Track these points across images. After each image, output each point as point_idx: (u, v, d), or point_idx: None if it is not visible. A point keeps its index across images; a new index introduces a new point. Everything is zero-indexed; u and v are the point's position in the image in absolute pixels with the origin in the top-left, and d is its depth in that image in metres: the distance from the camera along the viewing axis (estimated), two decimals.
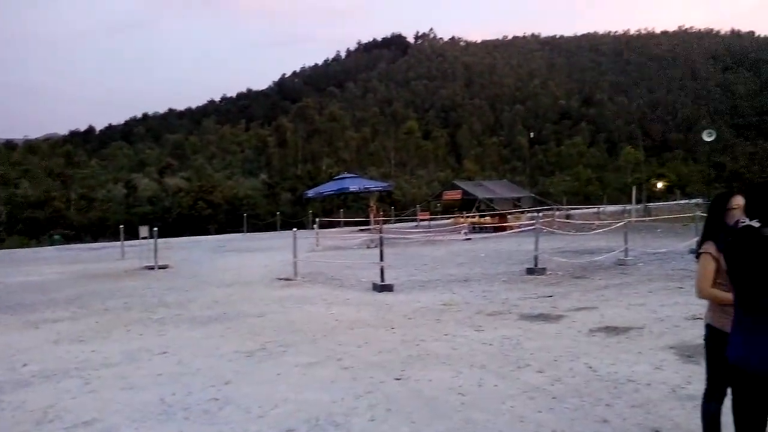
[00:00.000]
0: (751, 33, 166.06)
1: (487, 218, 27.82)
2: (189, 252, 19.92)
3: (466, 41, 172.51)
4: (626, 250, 13.66)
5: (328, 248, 20.05)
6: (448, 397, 4.72)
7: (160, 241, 15.78)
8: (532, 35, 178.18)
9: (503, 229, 23.97)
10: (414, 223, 32.25)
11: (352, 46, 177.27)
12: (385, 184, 35.79)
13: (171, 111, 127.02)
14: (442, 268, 13.86)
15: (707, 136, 33.10)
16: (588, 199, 49.06)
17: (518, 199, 33.33)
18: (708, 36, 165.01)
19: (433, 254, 17.23)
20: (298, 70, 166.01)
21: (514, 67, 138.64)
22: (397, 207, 39.40)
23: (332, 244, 21.51)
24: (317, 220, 22.74)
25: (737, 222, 2.65)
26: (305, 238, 21.86)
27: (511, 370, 5.40)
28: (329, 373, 5.48)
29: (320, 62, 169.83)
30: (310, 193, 31.99)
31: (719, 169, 63.87)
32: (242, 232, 30.17)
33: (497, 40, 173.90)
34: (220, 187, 41.73)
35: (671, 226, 22.72)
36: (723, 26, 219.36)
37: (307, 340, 6.86)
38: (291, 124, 64.24)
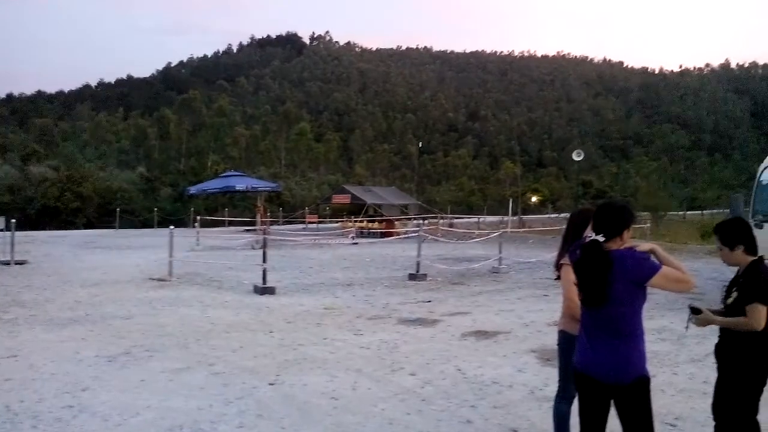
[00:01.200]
0: (621, 63, 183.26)
1: (375, 223, 28.23)
2: (52, 247, 18.28)
3: (361, 47, 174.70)
4: (500, 259, 14.45)
5: (209, 248, 19.28)
6: (321, 401, 4.70)
7: (21, 234, 14.37)
8: (425, 48, 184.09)
9: (390, 234, 24.42)
10: (302, 226, 31.98)
11: (245, 41, 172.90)
12: (273, 185, 35.13)
13: (40, 93, 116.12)
14: (327, 271, 13.85)
15: (576, 156, 35.94)
16: (471, 209, 51.44)
17: (406, 206, 34.15)
18: (583, 63, 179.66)
19: (319, 257, 17.17)
20: (185, 60, 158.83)
21: (406, 77, 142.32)
22: (285, 208, 38.85)
23: (215, 244, 20.71)
24: (199, 218, 21.82)
25: (585, 237, 2.88)
26: (185, 236, 20.93)
27: (386, 374, 5.50)
28: (198, 379, 5.25)
29: (210, 54, 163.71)
30: (193, 189, 30.62)
31: (587, 187, 69.70)
32: (114, 228, 28.22)
33: (392, 49, 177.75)
34: (92, 178, 38.68)
35: (542, 238, 24.41)
36: (597, 55, 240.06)
37: (177, 345, 6.53)
38: (175, 116, 61.12)
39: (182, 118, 52.02)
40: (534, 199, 56.79)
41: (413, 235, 20.54)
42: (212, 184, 30.30)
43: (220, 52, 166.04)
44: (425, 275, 12.49)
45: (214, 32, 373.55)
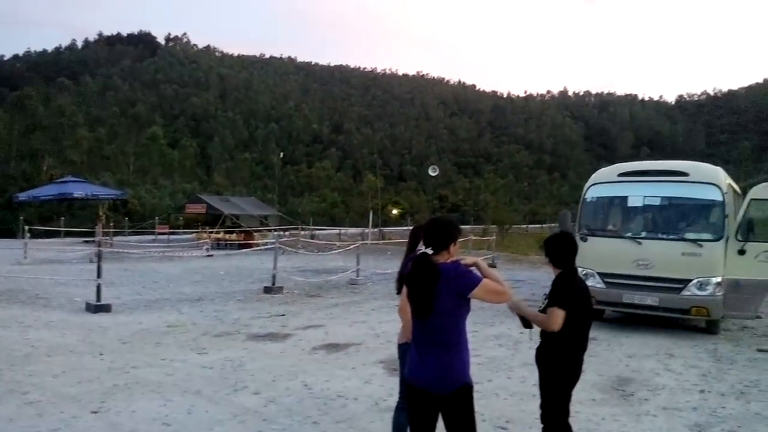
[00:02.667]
0: (473, 86, 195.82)
1: (233, 235, 27.23)
2: None
3: (222, 52, 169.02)
4: (358, 271, 14.59)
5: (39, 261, 17.28)
6: (151, 428, 4.32)
7: None
8: (289, 58, 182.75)
9: (248, 246, 23.68)
10: (152, 237, 29.94)
11: (92, 37, 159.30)
12: (118, 192, 32.44)
13: None
14: (175, 286, 13.01)
15: (432, 172, 37.69)
16: (333, 221, 51.64)
17: (265, 217, 33.35)
18: (440, 84, 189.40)
19: (168, 271, 16.11)
20: (21, 53, 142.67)
21: (270, 86, 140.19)
22: (133, 218, 36.14)
23: (47, 256, 18.62)
24: (28, 228, 19.50)
25: (418, 250, 2.95)
26: (12, 248, 18.61)
27: (227, 394, 5.22)
28: (8, 410, 4.59)
29: (50, 49, 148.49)
30: (22, 196, 27.37)
31: (443, 200, 73.33)
32: None
33: (254, 56, 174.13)
34: None
35: (401, 249, 25.11)
36: (452, 77, 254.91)
37: None
38: (6, 115, 54.38)
39: (14, 116, 46.34)
40: (394, 211, 58.51)
41: (272, 247, 20.12)
42: (46, 191, 27.32)
43: (63, 47, 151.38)
44: (281, 288, 12.22)
45: (58, 26, 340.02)
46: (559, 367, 3.36)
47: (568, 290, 3.35)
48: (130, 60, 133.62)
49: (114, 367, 6.02)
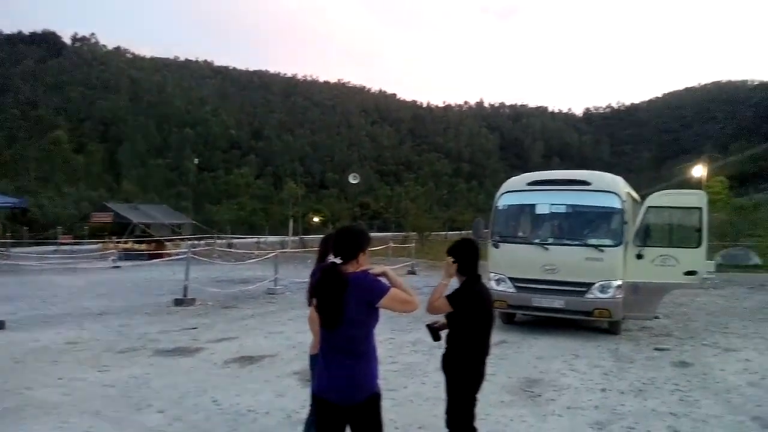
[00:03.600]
0: (394, 95, 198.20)
1: (142, 244, 26.01)
2: None
3: (133, 54, 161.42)
4: (276, 280, 14.32)
5: None
6: None
7: None
8: (205, 61, 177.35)
9: (159, 256, 22.68)
10: (53, 248, 28.04)
11: None
12: (15, 200, 30.11)
13: None
14: (77, 300, 12.23)
15: (353, 179, 37.80)
16: (252, 229, 50.52)
17: (179, 226, 32.12)
18: (361, 92, 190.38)
19: (70, 284, 15.16)
20: None
21: (185, 90, 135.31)
22: (34, 228, 33.71)
23: None
24: None
25: (327, 260, 2.91)
26: None
27: (129, 414, 4.93)
28: None
29: None
30: None
31: (364, 208, 73.68)
32: None
33: (168, 59, 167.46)
34: None
35: None
36: (373, 86, 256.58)
37: None
38: None
39: None
40: (316, 219, 58.08)
41: (184, 257, 19.39)
42: None
43: None
44: (194, 300, 11.77)
45: None
46: (463, 372, 3.42)
47: (465, 295, 3.42)
48: (33, 61, 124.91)
49: (4, 389, 5.56)
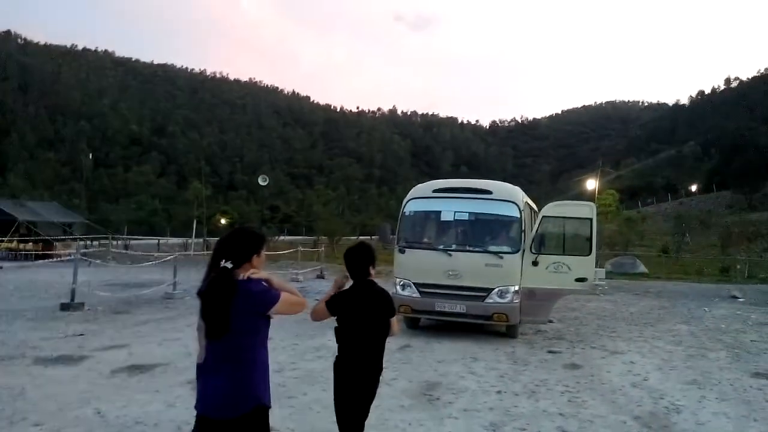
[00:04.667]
0: (308, 97, 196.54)
1: (29, 244, 24.03)
2: None
3: (25, 39, 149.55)
4: (175, 284, 13.67)
5: None
6: None
7: None
8: (105, 52, 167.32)
9: (47, 257, 21.03)
10: None
11: None
12: None
13: None
14: None
15: (261, 181, 36.97)
16: (153, 230, 48.11)
17: (69, 225, 29.96)
18: (274, 92, 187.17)
19: None
20: None
21: (81, 81, 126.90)
22: None
23: None
24: None
25: (220, 264, 2.72)
26: None
27: (1, 428, 4.48)
28: None
29: None
30: None
31: (274, 211, 72.30)
32: None
33: (64, 47, 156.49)
34: None
35: None
36: (286, 86, 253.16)
37: None
38: None
39: None
40: (223, 221, 56.23)
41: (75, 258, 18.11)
42: None
43: None
44: (82, 304, 10.99)
45: None
46: (354, 378, 3.38)
47: (342, 299, 3.39)
48: None
49: None
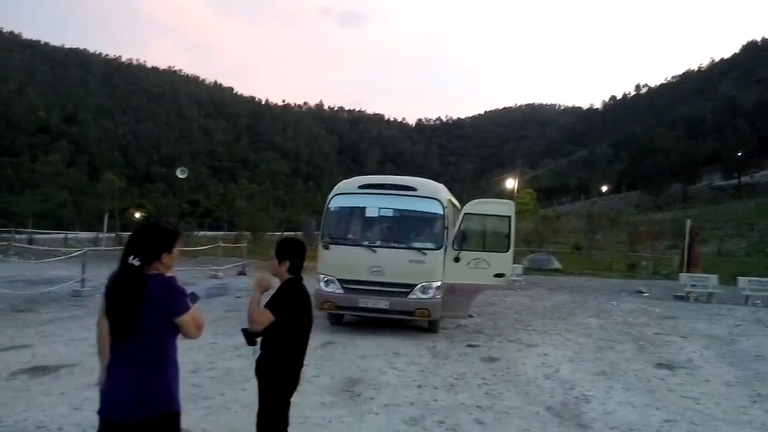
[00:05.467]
0: (231, 89, 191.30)
1: None
2: None
3: None
4: (83, 281, 12.91)
5: None
6: None
7: None
8: (12, 33, 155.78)
9: None
10: None
11: None
12: None
13: None
14: None
15: (180, 174, 35.63)
16: (61, 224, 45.24)
17: None
18: (195, 82, 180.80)
19: None
20: None
21: None
22: None
23: None
24: None
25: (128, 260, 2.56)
26: None
27: None
28: None
29: None
30: None
31: (194, 205, 69.85)
32: None
33: None
34: None
35: None
36: (208, 77, 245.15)
37: None
38: None
39: None
40: (138, 215, 53.74)
41: None
42: None
43: None
44: None
45: None
46: (278, 377, 3.32)
47: (287, 298, 3.32)
48: None
49: None
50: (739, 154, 57.16)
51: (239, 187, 64.74)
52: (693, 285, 16.18)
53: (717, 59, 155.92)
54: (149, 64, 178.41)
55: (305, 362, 3.49)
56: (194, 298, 2.58)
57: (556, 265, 25.71)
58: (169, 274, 2.50)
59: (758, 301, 15.34)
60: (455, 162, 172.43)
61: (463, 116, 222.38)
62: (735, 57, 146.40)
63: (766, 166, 60.70)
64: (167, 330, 2.48)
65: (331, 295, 8.96)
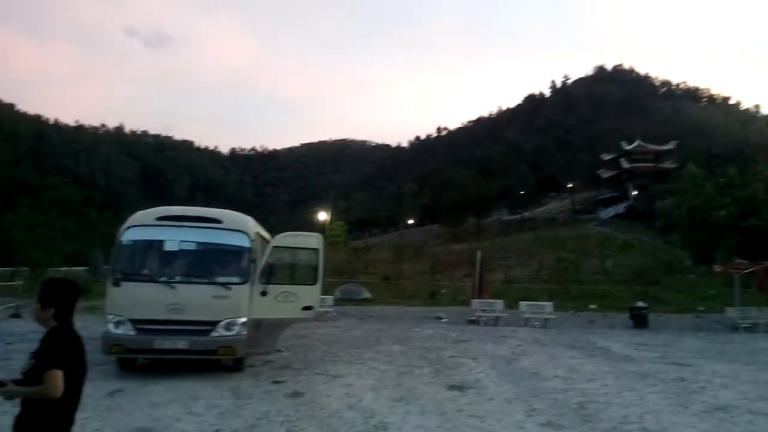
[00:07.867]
0: (12, 105, 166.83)
1: None
2: None
3: None
4: None
5: None
6: None
7: None
8: None
9: None
10: None
11: None
12: None
13: None
14: None
15: None
16: None
17: None
18: None
19: None
20: None
21: None
22: None
23: None
24: None
25: None
26: None
27: None
28: None
29: None
30: None
31: None
32: None
33: None
34: None
35: None
36: None
37: None
38: None
39: None
40: None
41: None
42: None
43: None
44: None
45: None
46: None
47: (65, 347, 2.91)
48: None
49: None
50: (522, 192, 65.48)
51: (18, 216, 56.63)
52: (483, 310, 17.89)
53: (504, 108, 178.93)
54: None
55: (86, 414, 3.05)
56: None
57: (367, 295, 26.61)
58: None
59: (536, 323, 17.44)
60: (271, 193, 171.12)
61: (279, 147, 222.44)
62: (519, 107, 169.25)
63: (544, 203, 70.42)
64: None
65: (121, 337, 8.12)
